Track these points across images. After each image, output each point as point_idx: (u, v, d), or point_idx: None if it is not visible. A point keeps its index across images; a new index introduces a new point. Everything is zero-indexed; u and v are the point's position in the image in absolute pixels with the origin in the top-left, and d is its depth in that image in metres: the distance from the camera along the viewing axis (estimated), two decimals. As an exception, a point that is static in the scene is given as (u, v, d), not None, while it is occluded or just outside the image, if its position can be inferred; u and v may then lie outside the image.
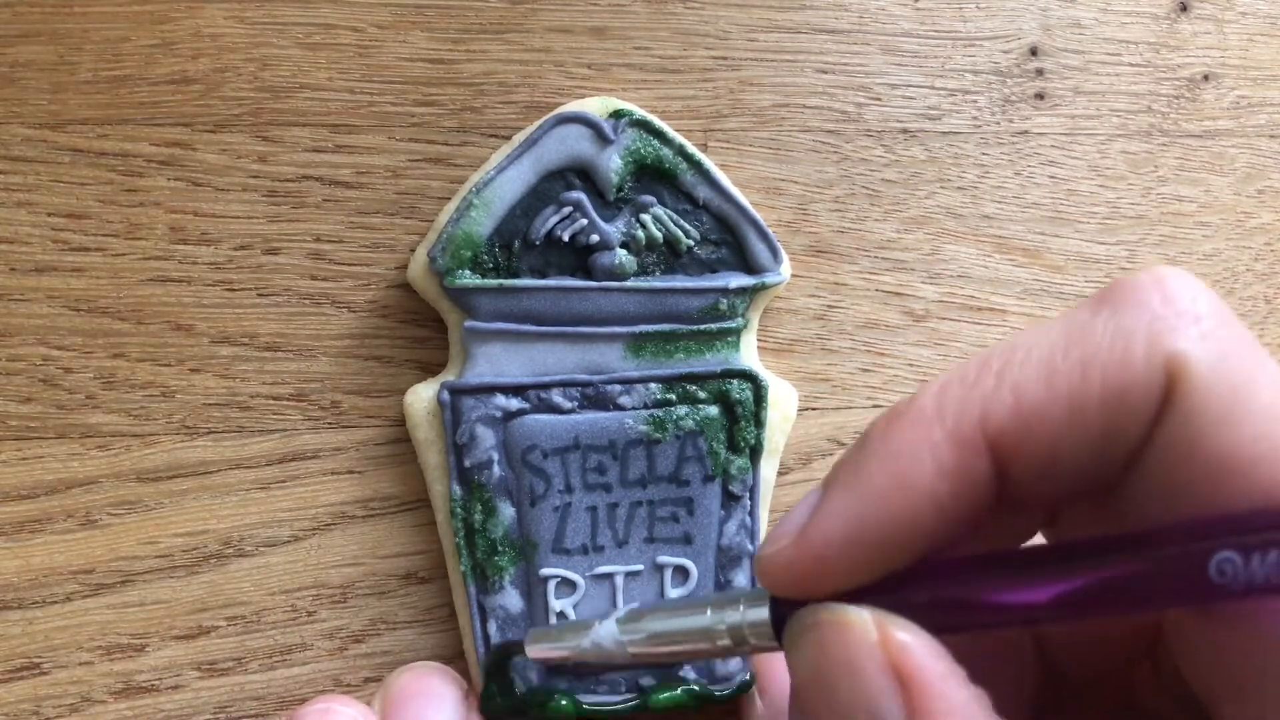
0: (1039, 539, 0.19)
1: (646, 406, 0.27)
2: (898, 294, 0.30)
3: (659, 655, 0.21)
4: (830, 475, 0.17)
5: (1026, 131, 0.31)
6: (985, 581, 0.17)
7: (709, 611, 0.19)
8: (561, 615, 0.27)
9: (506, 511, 0.27)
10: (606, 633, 0.21)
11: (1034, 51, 0.31)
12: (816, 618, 0.17)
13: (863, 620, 0.16)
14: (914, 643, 0.16)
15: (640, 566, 0.27)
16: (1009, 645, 0.20)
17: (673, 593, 0.27)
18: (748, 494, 0.28)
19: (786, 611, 0.18)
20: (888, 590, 0.17)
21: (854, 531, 0.16)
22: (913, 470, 0.16)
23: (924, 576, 0.17)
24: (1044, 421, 0.16)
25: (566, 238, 0.27)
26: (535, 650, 0.23)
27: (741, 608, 0.19)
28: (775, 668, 0.27)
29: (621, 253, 0.27)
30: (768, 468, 0.28)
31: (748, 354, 0.28)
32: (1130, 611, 0.18)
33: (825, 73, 0.30)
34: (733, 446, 0.28)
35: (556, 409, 0.27)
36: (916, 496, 0.16)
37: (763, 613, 0.19)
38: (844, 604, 0.17)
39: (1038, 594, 0.16)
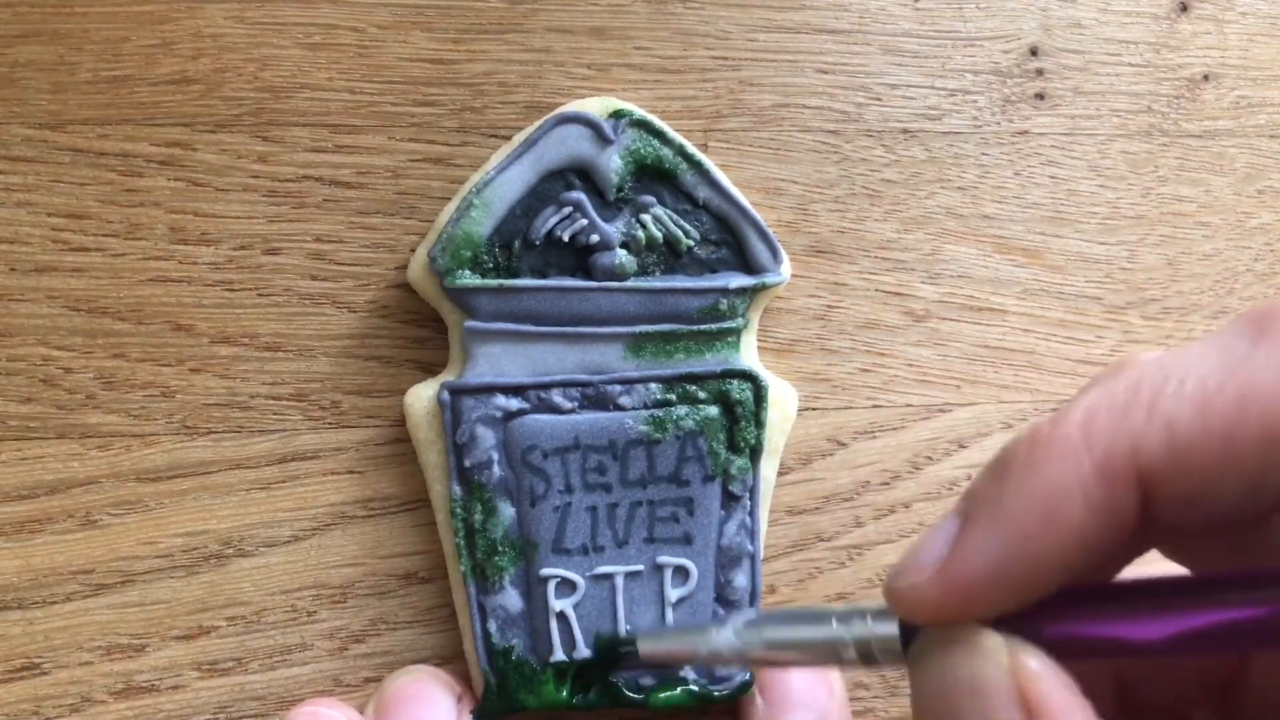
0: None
1: (646, 406, 0.27)
2: (898, 294, 0.30)
3: (778, 662, 0.20)
4: (968, 503, 0.17)
5: (1026, 131, 0.31)
6: (1120, 615, 0.16)
7: (834, 623, 0.19)
8: (561, 615, 0.27)
9: (506, 511, 0.27)
10: (725, 640, 0.21)
11: (1034, 51, 0.31)
12: (947, 637, 0.17)
13: (995, 645, 0.16)
14: (1044, 672, 0.16)
15: (640, 566, 0.27)
16: (1094, 667, 0.20)
17: (673, 593, 0.27)
18: (748, 494, 0.28)
19: (914, 628, 0.18)
20: (1016, 616, 0.17)
21: (998, 567, 0.16)
22: (1060, 506, 0.16)
23: (1053, 604, 0.17)
24: (1197, 458, 0.15)
25: (566, 238, 0.27)
26: (648, 648, 0.23)
27: (869, 621, 0.19)
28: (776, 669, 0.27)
29: (621, 253, 0.27)
30: (768, 468, 0.28)
31: (748, 354, 0.28)
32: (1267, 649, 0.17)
33: (825, 73, 0.30)
34: (733, 446, 0.28)
35: (556, 409, 0.27)
36: (1064, 533, 0.16)
37: (891, 628, 0.18)
38: (976, 626, 0.17)
39: (1168, 628, 0.16)
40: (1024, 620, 0.17)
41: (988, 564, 0.16)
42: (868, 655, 0.19)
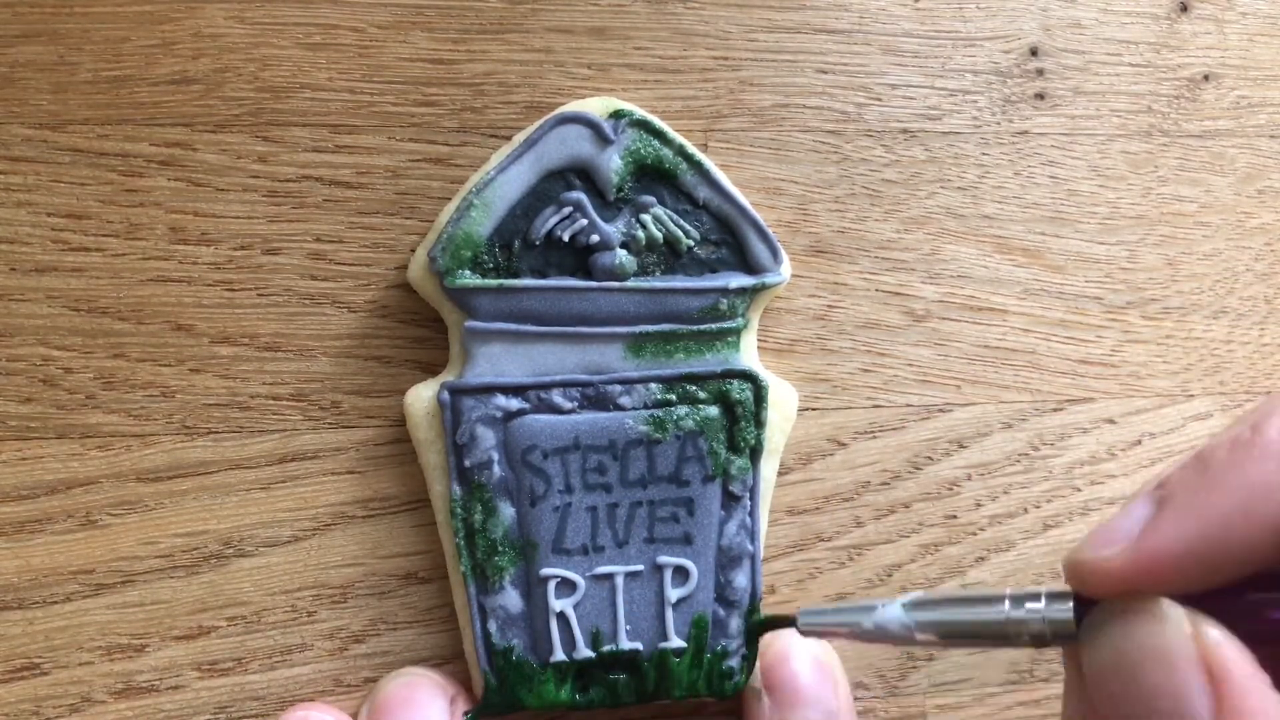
0: None
1: (646, 406, 0.27)
2: (898, 294, 0.30)
3: (941, 642, 0.21)
4: (1163, 490, 0.18)
5: (1026, 131, 0.31)
6: None
7: (1006, 605, 0.20)
8: (561, 616, 0.27)
9: (506, 512, 0.27)
10: (891, 617, 0.21)
11: (1034, 51, 0.31)
12: (1128, 607, 0.17)
13: (1176, 614, 0.17)
14: (1226, 641, 0.16)
15: (640, 567, 0.27)
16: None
17: (673, 593, 0.27)
18: (748, 494, 0.28)
19: (1086, 606, 0.18)
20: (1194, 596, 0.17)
21: (1192, 552, 0.17)
22: (1261, 506, 0.17)
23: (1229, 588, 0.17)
24: None
25: (566, 238, 0.27)
26: (809, 624, 0.23)
27: (1044, 605, 0.19)
28: (780, 665, 0.27)
29: (621, 253, 0.27)
30: (768, 468, 0.28)
31: (748, 354, 0.28)
32: None
33: (825, 73, 0.30)
34: (733, 447, 0.28)
35: (556, 409, 0.27)
36: (1261, 530, 0.17)
37: (1066, 610, 0.19)
38: (1158, 597, 0.17)
39: None
40: (1201, 600, 0.17)
41: (1182, 545, 0.17)
42: (1040, 638, 0.19)
